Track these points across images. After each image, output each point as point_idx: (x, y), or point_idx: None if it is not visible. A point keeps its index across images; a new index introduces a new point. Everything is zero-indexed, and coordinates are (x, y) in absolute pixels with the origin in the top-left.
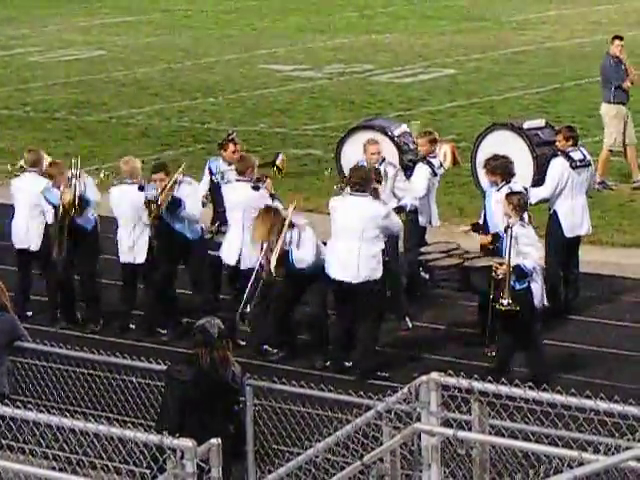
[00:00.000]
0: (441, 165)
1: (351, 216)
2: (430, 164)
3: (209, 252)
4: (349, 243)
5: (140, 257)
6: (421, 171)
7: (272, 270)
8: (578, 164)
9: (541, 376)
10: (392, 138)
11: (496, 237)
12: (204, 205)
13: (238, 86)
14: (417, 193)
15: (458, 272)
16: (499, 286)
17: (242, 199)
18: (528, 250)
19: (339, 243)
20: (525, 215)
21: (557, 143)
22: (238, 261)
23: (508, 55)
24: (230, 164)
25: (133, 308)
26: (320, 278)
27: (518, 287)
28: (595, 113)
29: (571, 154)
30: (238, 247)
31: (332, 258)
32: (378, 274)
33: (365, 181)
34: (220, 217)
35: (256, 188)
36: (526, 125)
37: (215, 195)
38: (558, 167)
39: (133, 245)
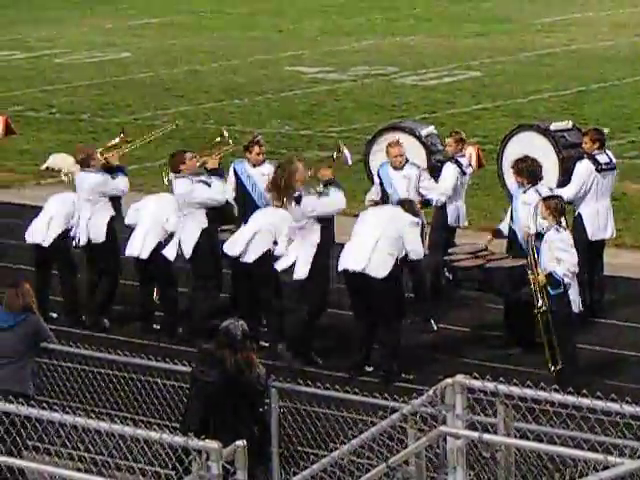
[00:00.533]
0: (470, 165)
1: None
2: (458, 163)
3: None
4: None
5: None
6: (449, 170)
7: None
8: (604, 167)
9: (570, 382)
10: (419, 138)
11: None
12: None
13: (263, 88)
14: (445, 192)
15: (480, 273)
16: (535, 292)
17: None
18: (562, 256)
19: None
20: (563, 220)
21: (584, 145)
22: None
23: (533, 57)
24: (255, 166)
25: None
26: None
27: (553, 293)
28: (619, 116)
29: (597, 157)
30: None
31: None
32: (382, 274)
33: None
34: (246, 219)
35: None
36: (553, 127)
37: (240, 196)
38: (583, 170)
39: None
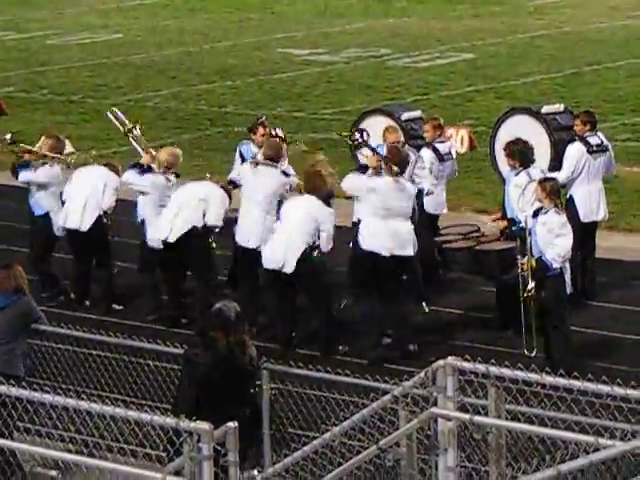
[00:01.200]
0: (449, 152)
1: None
2: (435, 150)
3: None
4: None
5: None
6: (425, 156)
7: None
8: (595, 149)
9: (567, 363)
10: (398, 121)
11: (511, 222)
12: (236, 186)
13: (255, 70)
14: (432, 181)
15: (469, 255)
16: (525, 277)
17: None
18: (557, 240)
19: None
20: (558, 201)
21: (575, 128)
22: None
23: (526, 39)
24: (260, 147)
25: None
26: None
27: (549, 273)
28: (612, 98)
29: (588, 139)
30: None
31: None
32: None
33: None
34: None
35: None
36: (545, 110)
37: None
38: (575, 152)
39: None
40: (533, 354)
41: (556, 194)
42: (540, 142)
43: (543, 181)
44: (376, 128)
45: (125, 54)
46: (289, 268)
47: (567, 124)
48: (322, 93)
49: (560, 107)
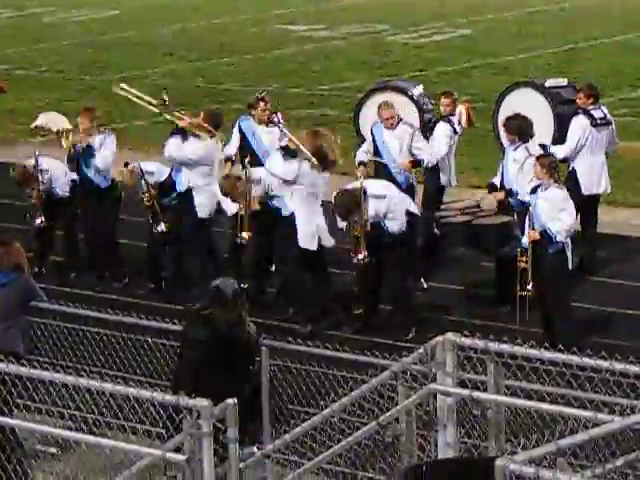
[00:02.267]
0: (459, 123)
1: None
2: (451, 123)
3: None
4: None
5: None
6: (443, 130)
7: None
8: (599, 122)
9: (569, 340)
10: (412, 98)
11: (509, 193)
12: (233, 163)
13: (252, 46)
14: (440, 152)
15: (467, 229)
16: (524, 272)
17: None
18: (560, 215)
19: None
20: (557, 176)
21: (578, 101)
22: None
23: (524, 15)
24: (261, 123)
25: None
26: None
27: (551, 250)
28: (610, 73)
29: (592, 112)
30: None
31: None
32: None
33: None
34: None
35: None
36: (548, 83)
37: (245, 153)
38: (579, 125)
39: None
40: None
41: (555, 169)
42: (543, 115)
43: (541, 157)
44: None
45: (122, 31)
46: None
47: (570, 97)
48: (319, 69)
49: (563, 81)
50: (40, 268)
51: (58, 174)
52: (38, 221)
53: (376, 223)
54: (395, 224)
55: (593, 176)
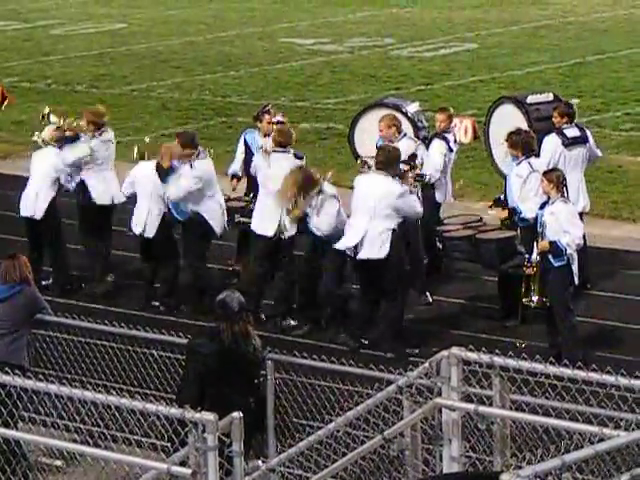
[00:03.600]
0: (456, 141)
1: (365, 193)
2: (446, 140)
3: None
4: (361, 219)
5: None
6: (438, 147)
7: (286, 223)
8: (571, 141)
9: (572, 355)
10: (406, 115)
11: (512, 211)
12: (239, 178)
13: (259, 60)
14: (433, 169)
15: (469, 244)
16: (529, 281)
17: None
18: (568, 229)
19: (353, 219)
20: (564, 191)
21: (553, 119)
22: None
23: (529, 30)
24: (265, 136)
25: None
26: (333, 251)
27: (557, 264)
28: (616, 88)
29: (565, 131)
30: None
31: (349, 232)
32: (382, 253)
33: (388, 160)
34: (255, 188)
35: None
36: (529, 99)
37: (249, 167)
38: (549, 144)
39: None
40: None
41: (562, 184)
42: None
43: (548, 172)
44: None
45: (129, 44)
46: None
47: (549, 114)
48: (326, 83)
49: (549, 96)
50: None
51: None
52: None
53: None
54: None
55: (570, 195)
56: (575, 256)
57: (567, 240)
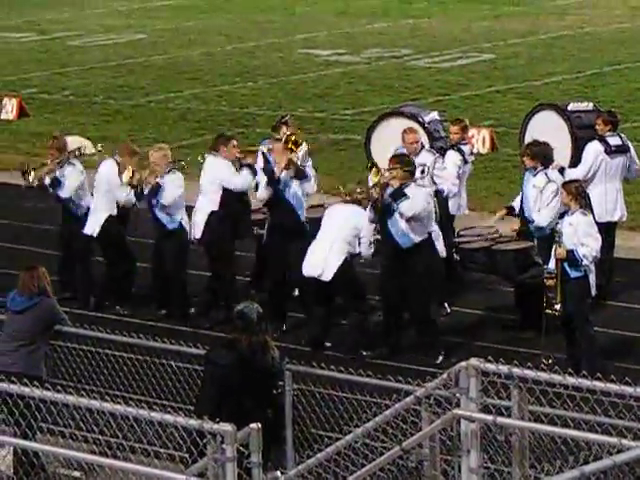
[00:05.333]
0: (472, 152)
1: None
2: (460, 151)
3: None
4: None
5: None
6: (452, 158)
7: None
8: (613, 149)
9: (591, 366)
10: (423, 125)
11: (524, 222)
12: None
13: (277, 71)
14: (454, 182)
15: (486, 255)
16: (551, 291)
17: None
18: (586, 241)
19: None
20: (584, 202)
21: (596, 127)
22: None
23: (547, 40)
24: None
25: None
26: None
27: (573, 275)
28: (634, 98)
29: (608, 139)
30: None
31: None
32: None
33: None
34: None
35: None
36: (570, 107)
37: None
38: (592, 151)
39: None
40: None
41: (582, 195)
42: (562, 139)
43: (567, 183)
44: (399, 130)
45: (147, 55)
46: (328, 275)
47: (590, 123)
48: (343, 94)
49: (589, 105)
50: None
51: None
52: (30, 178)
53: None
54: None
55: (607, 204)
56: (592, 268)
57: (584, 252)
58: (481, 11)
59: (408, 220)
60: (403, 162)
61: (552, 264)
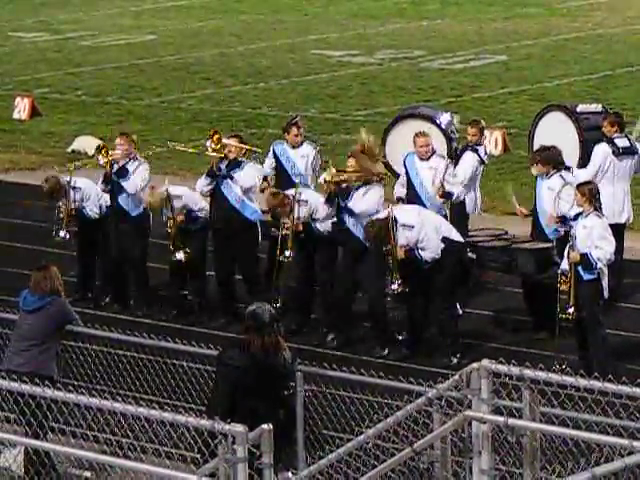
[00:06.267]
0: (486, 153)
1: None
2: (477, 152)
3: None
4: None
5: None
6: (469, 159)
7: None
8: (621, 151)
9: (603, 368)
10: (440, 126)
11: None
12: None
13: (289, 71)
14: (465, 181)
15: (504, 254)
16: (564, 294)
17: None
18: (601, 243)
19: None
20: (597, 204)
21: (603, 129)
22: None
23: (559, 42)
24: (294, 147)
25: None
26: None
27: (586, 278)
28: None
29: (615, 141)
30: None
31: None
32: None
33: None
34: None
35: None
36: (579, 109)
37: (279, 178)
38: (600, 153)
39: None
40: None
41: (595, 197)
42: (570, 140)
43: (581, 185)
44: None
45: (159, 55)
46: None
47: (599, 124)
48: (356, 94)
49: (598, 107)
50: (84, 293)
51: (91, 194)
52: (62, 234)
53: (410, 252)
54: (428, 253)
55: (615, 205)
56: (605, 270)
57: (598, 254)
58: (494, 12)
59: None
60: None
61: (565, 266)
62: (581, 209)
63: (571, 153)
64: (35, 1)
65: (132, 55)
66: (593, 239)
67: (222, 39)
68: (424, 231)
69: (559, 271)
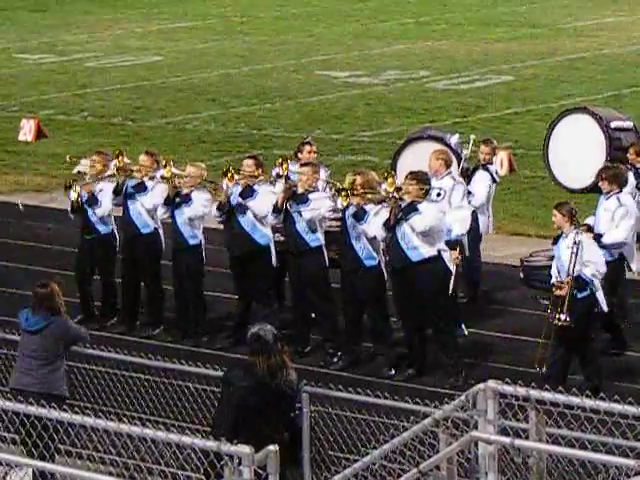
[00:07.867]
0: (497, 172)
1: None
2: (489, 171)
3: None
4: None
5: None
6: (482, 178)
7: None
8: None
9: (597, 386)
10: (450, 147)
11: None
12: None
13: (294, 92)
14: (478, 200)
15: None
16: (558, 301)
17: None
18: (593, 258)
19: None
20: (577, 222)
21: (629, 156)
22: None
23: (565, 62)
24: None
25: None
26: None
27: (580, 296)
28: None
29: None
30: None
31: None
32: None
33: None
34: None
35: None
36: (614, 124)
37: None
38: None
39: None
40: (543, 370)
41: (574, 217)
42: (597, 153)
43: (560, 206)
44: (425, 155)
45: (164, 76)
46: None
47: (627, 145)
48: (361, 115)
49: (627, 122)
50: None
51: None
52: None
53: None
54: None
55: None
56: (598, 285)
57: (592, 271)
58: (499, 33)
59: (418, 235)
60: (419, 179)
61: (562, 274)
62: (560, 231)
63: (593, 169)
64: (40, 23)
65: (137, 76)
66: (581, 258)
67: (227, 60)
68: None
69: (556, 278)
